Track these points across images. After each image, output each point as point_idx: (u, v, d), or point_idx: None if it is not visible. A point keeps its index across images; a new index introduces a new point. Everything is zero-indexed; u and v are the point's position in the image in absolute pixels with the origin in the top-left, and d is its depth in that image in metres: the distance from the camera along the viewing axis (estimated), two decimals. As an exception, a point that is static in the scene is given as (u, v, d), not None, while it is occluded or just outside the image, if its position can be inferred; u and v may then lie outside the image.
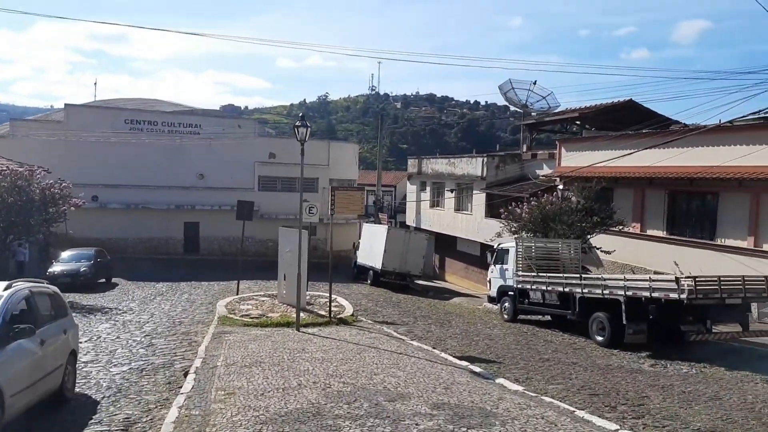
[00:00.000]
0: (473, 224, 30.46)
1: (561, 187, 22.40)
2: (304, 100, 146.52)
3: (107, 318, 15.95)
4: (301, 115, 12.87)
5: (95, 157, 34.22)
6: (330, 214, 14.83)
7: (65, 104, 35.85)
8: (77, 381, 8.78)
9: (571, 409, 7.31)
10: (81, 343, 12.13)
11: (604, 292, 14.23)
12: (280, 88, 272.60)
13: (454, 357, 10.85)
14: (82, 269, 23.19)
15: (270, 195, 38.23)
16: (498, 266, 19.39)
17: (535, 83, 30.69)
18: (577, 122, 29.56)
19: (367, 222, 37.33)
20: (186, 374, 8.80)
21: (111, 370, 9.63)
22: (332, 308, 14.94)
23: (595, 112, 26.88)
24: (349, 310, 15.77)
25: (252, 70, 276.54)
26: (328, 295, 18.11)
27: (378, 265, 28.44)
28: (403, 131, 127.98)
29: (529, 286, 17.11)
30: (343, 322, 14.18)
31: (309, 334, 12.41)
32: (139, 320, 15.52)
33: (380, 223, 41.20)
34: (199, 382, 8.01)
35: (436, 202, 35.24)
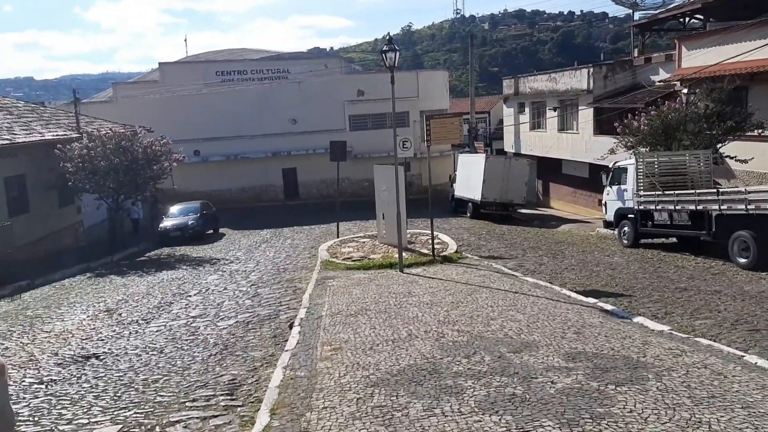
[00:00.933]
0: (580, 144, 28.13)
1: (685, 91, 19.67)
2: (388, 33, 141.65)
3: (215, 269, 16.24)
4: (387, 37, 11.71)
5: (192, 112, 35.09)
6: (426, 145, 13.77)
7: (159, 63, 36.83)
8: (185, 340, 8.71)
9: (737, 353, 6.06)
10: (191, 296, 12.35)
11: (749, 207, 12.27)
12: (364, 25, 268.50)
13: (576, 293, 9.73)
14: (190, 222, 24.00)
15: (361, 134, 37.62)
16: (614, 187, 17.55)
17: (645, -24, 26.98)
18: (699, 17, 25.80)
19: (462, 152, 35.86)
20: (291, 326, 8.43)
21: (218, 324, 9.50)
22: (435, 245, 14.12)
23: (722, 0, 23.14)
24: (452, 246, 14.92)
25: (334, 10, 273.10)
26: (429, 232, 17.41)
27: (477, 197, 27.22)
28: (492, 53, 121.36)
29: (653, 207, 15.28)
30: (447, 259, 13.37)
31: (413, 275, 11.73)
32: (245, 269, 15.65)
33: (476, 153, 39.57)
34: (304, 336, 7.57)
35: (536, 124, 32.93)
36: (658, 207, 15.09)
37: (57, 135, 21.35)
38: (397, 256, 13.81)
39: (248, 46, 46.82)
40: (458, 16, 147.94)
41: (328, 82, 37.44)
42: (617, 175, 17.61)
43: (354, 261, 13.83)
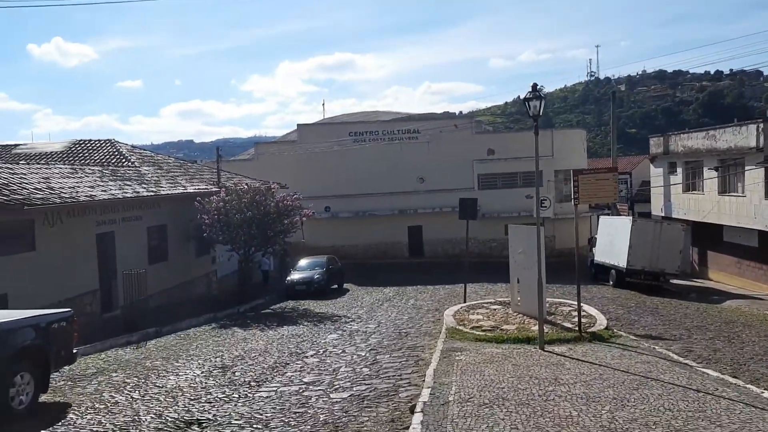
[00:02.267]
0: (747, 208, 24.44)
1: None
2: (518, 96, 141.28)
3: (335, 327, 15.47)
4: (533, 84, 10.50)
5: (325, 170, 36.07)
6: (573, 203, 12.14)
7: (297, 124, 38.67)
8: (295, 412, 7.74)
9: None
10: (307, 357, 11.53)
11: None
12: (494, 90, 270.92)
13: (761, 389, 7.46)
14: (315, 277, 23.85)
15: (490, 193, 36.26)
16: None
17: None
18: None
19: (602, 214, 33.04)
20: (412, 410, 7.13)
21: (331, 396, 8.45)
22: (581, 319, 12.19)
23: None
24: (600, 321, 12.83)
25: (465, 76, 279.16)
26: (570, 302, 15.43)
27: (622, 263, 24.43)
28: (629, 114, 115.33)
29: None
30: (596, 337, 11.38)
31: (557, 354, 9.95)
32: (365, 330, 14.70)
33: (618, 215, 36.36)
34: (428, 428, 6.23)
35: (691, 186, 29.45)
36: None
37: (198, 188, 22.45)
38: (534, 328, 12.09)
39: (381, 109, 48.00)
40: (592, 78, 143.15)
41: (457, 141, 36.89)
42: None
43: (484, 331, 12.29)
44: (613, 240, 25.70)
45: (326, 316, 17.96)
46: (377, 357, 11.12)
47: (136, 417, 7.78)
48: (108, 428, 7.23)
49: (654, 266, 24.04)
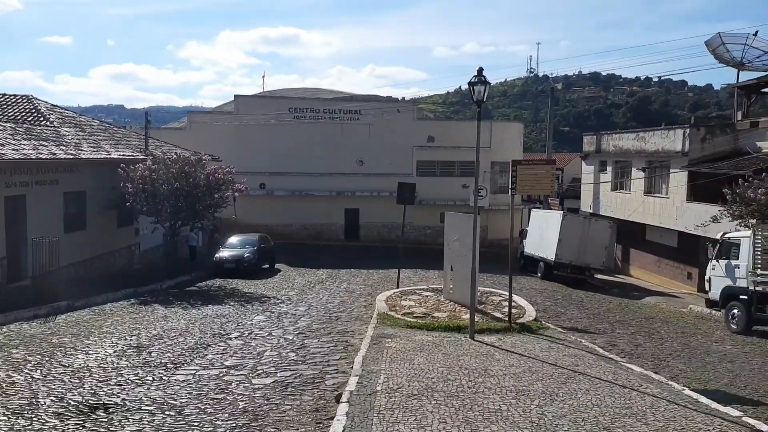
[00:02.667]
0: (669, 209, 25.58)
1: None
2: (460, 87, 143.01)
3: (264, 308, 14.93)
4: (478, 68, 10.25)
5: (262, 145, 34.98)
6: (510, 193, 12.09)
7: (235, 95, 37.16)
8: (212, 398, 7.25)
9: None
10: (231, 339, 10.99)
11: None
12: (437, 78, 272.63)
13: (698, 392, 7.64)
14: (246, 255, 23.04)
15: (428, 180, 36.33)
16: (722, 262, 15.16)
17: (756, 34, 24.71)
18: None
19: (534, 207, 33.80)
20: (338, 399, 6.80)
21: (253, 381, 8.00)
22: (511, 310, 12.24)
23: None
24: (530, 312, 12.96)
25: (410, 62, 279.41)
26: (500, 292, 15.57)
27: (551, 257, 25.06)
28: (564, 113, 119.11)
29: (776, 290, 12.90)
30: (525, 328, 11.44)
31: (487, 344, 9.89)
32: (295, 312, 14.25)
33: (550, 209, 37.36)
34: (353, 420, 5.92)
35: (619, 185, 30.55)
36: (783, 291, 12.69)
37: (123, 155, 21.09)
38: (465, 317, 12.04)
39: (324, 87, 47.02)
40: (531, 75, 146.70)
41: (398, 126, 36.68)
42: (726, 248, 15.23)
43: (416, 318, 12.13)
44: (543, 233, 26.30)
45: (255, 296, 17.35)
46: (305, 341, 10.73)
47: (33, 399, 7.06)
48: (-2, 412, 6.49)
49: (580, 261, 24.80)
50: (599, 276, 26.29)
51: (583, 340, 11.06)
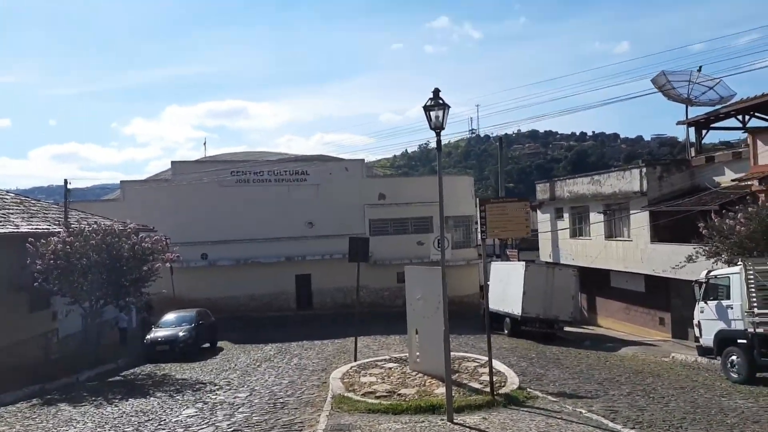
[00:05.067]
0: (634, 253, 24.61)
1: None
2: (406, 150, 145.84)
3: (195, 399, 12.46)
4: (434, 90, 8.75)
5: (203, 213, 32.76)
6: (481, 237, 10.42)
7: (171, 161, 35.16)
8: None
9: None
10: (145, 447, 8.57)
11: None
12: (384, 143, 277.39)
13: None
14: (180, 334, 20.39)
15: (382, 239, 34.71)
16: (712, 303, 13.77)
17: (699, 70, 24.79)
18: (761, 115, 23.22)
19: (494, 261, 32.48)
20: None
21: None
22: (492, 379, 10.29)
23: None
24: (511, 378, 11.05)
25: (357, 129, 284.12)
26: (473, 356, 13.71)
27: (517, 311, 23.52)
28: (508, 170, 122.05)
29: (781, 331, 11.50)
30: (511, 400, 9.51)
31: (470, 428, 7.89)
32: (233, 401, 11.86)
33: (508, 261, 36.14)
34: None
35: (578, 231, 29.67)
36: (789, 331, 11.29)
37: (36, 229, 18.51)
38: (437, 391, 10.08)
39: (268, 150, 45.49)
40: (473, 135, 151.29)
41: (347, 185, 35.29)
42: (713, 288, 13.88)
43: (378, 398, 10.00)
44: (506, 287, 24.83)
45: (188, 383, 14.78)
46: (240, 442, 8.44)
47: None
48: None
49: (548, 313, 23.35)
50: (568, 329, 24.80)
51: (581, 410, 9.18)
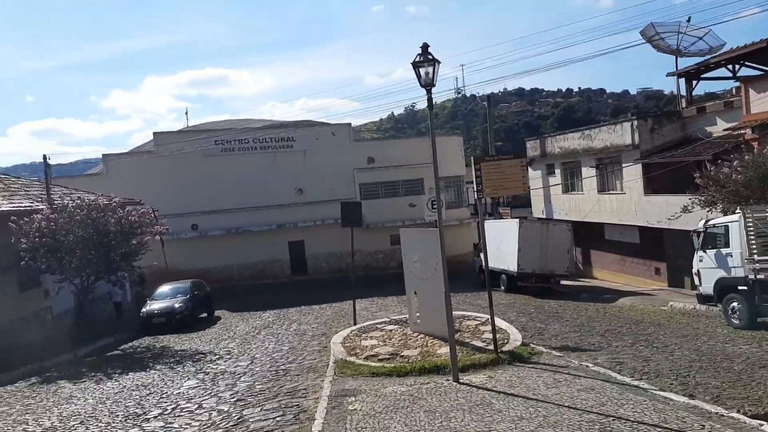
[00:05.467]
0: (627, 205, 24.55)
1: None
2: (392, 113, 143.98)
3: (197, 369, 12.33)
4: (423, 45, 8.32)
5: (190, 184, 32.16)
6: (477, 197, 10.17)
7: (154, 132, 34.36)
8: None
9: None
10: (148, 421, 8.44)
11: None
12: (370, 107, 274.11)
13: (748, 417, 5.82)
14: (177, 306, 20.21)
15: (373, 203, 34.34)
16: (711, 252, 13.70)
17: (689, 20, 24.29)
18: (750, 64, 22.85)
19: (487, 220, 32.37)
20: None
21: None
22: (492, 335, 10.18)
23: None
24: (515, 335, 10.97)
25: (341, 93, 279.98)
26: (474, 315, 13.66)
27: (513, 268, 23.52)
28: (495, 129, 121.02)
29: (781, 275, 11.46)
30: (516, 357, 9.43)
31: (477, 387, 7.79)
32: (234, 370, 11.74)
33: (501, 218, 36.08)
34: None
35: (570, 186, 29.52)
36: (790, 275, 11.24)
37: (17, 207, 18.02)
38: (440, 351, 9.98)
39: (252, 117, 44.57)
40: (459, 95, 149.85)
41: (335, 150, 34.69)
42: (712, 236, 13.79)
43: (381, 361, 9.90)
44: (501, 244, 24.75)
45: (187, 354, 14.66)
46: (244, 412, 8.30)
47: None
48: None
49: (544, 268, 23.39)
50: (564, 282, 24.91)
51: (587, 364, 9.11)
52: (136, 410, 9.21)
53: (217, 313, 23.38)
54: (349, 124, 37.58)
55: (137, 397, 10.25)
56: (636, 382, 7.78)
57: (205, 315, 22.36)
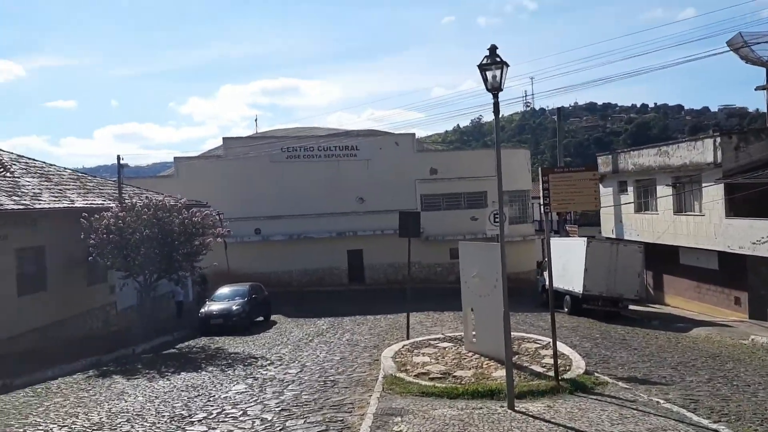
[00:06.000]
0: (706, 228, 22.92)
1: None
2: (458, 125, 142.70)
3: (247, 374, 12.26)
4: (491, 47, 7.90)
5: (255, 188, 32.89)
6: (544, 211, 9.57)
7: (223, 138, 35.21)
8: None
9: None
10: (193, 423, 8.33)
11: None
12: (436, 119, 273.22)
13: None
14: (234, 308, 20.44)
15: (434, 214, 33.98)
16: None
17: (784, 28, 22.55)
18: None
19: (553, 237, 31.20)
20: None
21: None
22: (553, 360, 9.52)
23: None
24: (577, 362, 10.23)
25: (408, 104, 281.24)
26: (535, 337, 12.97)
27: (578, 289, 22.38)
28: (565, 143, 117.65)
29: None
30: (578, 386, 8.73)
31: (535, 417, 7.20)
32: (283, 378, 11.57)
33: (568, 237, 34.73)
34: None
35: (643, 205, 27.99)
36: None
37: (91, 204, 18.77)
38: (496, 374, 9.40)
39: (317, 126, 45.12)
40: (528, 108, 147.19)
41: (398, 160, 34.58)
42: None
43: (432, 380, 9.42)
44: (566, 264, 23.63)
45: (240, 357, 14.68)
46: (287, 423, 8.04)
47: None
48: None
49: (612, 291, 22.15)
50: (633, 307, 23.49)
51: (658, 399, 8.30)
52: (182, 412, 9.15)
53: (273, 317, 23.51)
54: (413, 134, 37.36)
55: (185, 398, 10.23)
56: (714, 425, 6.96)
57: (261, 319, 22.51)
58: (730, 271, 22.44)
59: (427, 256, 33.83)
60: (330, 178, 33.95)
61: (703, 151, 23.03)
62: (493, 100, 8.16)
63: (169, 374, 12.79)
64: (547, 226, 10.92)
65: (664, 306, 26.42)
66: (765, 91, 23.00)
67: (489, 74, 7.93)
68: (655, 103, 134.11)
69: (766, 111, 23.15)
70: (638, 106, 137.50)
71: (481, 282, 11.04)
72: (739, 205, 21.46)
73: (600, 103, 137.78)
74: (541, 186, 9.23)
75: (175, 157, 34.14)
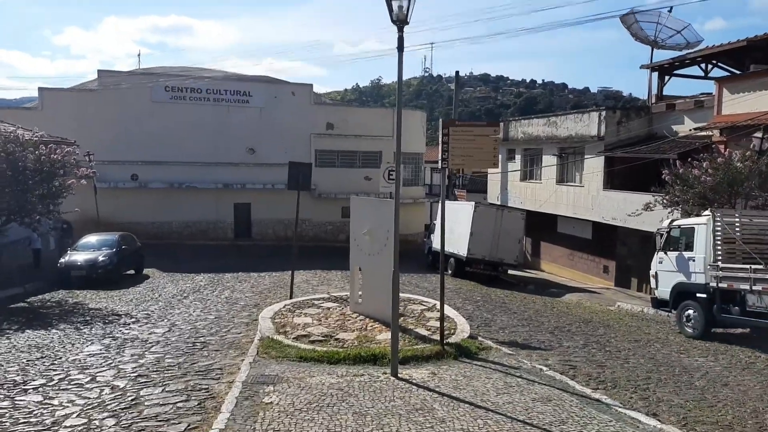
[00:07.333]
0: (585, 199, 24.05)
1: (753, 141, 15.63)
2: (357, 84, 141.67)
3: (105, 333, 10.90)
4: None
5: (134, 130, 29.92)
6: (441, 167, 9.06)
7: (98, 70, 31.51)
8: None
9: None
10: (26, 391, 7.07)
11: None
12: (336, 75, 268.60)
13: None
14: (101, 259, 18.44)
15: (328, 171, 33.08)
16: (672, 254, 13.08)
17: (670, 11, 23.64)
18: (723, 65, 22.51)
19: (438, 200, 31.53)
20: None
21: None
22: (438, 323, 9.20)
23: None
24: (462, 326, 10.04)
25: (308, 58, 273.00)
26: (420, 299, 12.70)
27: (462, 252, 22.71)
28: (459, 112, 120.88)
29: (745, 286, 10.89)
30: (462, 351, 8.47)
31: (418, 385, 6.77)
32: (147, 338, 10.38)
33: (456, 200, 35.36)
34: None
35: (529, 174, 28.90)
36: (755, 286, 10.67)
37: None
38: (380, 337, 8.92)
39: (207, 67, 41.94)
40: (426, 74, 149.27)
41: (293, 111, 32.96)
42: (676, 238, 13.15)
43: (312, 343, 8.76)
44: (453, 226, 23.78)
45: (101, 314, 13.14)
46: (141, 392, 7.02)
47: None
48: None
49: (494, 256, 22.73)
50: (511, 272, 24.37)
51: (540, 366, 8.22)
52: (16, 377, 7.80)
53: (146, 271, 21.66)
54: (311, 85, 35.74)
55: (24, 360, 8.81)
56: (597, 395, 6.91)
57: (132, 272, 20.66)
58: (601, 240, 23.81)
59: (319, 213, 33.03)
60: (219, 124, 31.73)
61: (589, 123, 23.94)
62: (398, 34, 7.36)
63: (11, 332, 11.11)
64: (443, 184, 10.47)
65: (540, 272, 27.71)
66: (648, 69, 24.19)
67: (395, 3, 7.12)
68: (543, 80, 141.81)
69: (647, 92, 24.45)
70: (528, 81, 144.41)
71: (371, 239, 10.47)
72: (615, 179, 22.63)
73: (493, 75, 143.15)
74: (440, 140, 8.69)
75: (39, 88, 30.06)
